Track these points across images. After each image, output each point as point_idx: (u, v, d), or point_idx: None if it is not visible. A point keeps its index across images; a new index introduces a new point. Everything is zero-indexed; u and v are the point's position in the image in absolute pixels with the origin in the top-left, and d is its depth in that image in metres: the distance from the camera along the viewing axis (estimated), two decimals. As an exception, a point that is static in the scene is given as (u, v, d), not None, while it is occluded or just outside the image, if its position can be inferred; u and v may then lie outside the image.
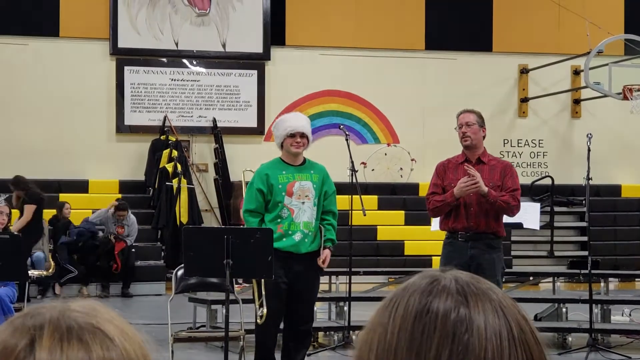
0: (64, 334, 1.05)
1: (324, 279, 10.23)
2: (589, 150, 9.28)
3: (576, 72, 18.58)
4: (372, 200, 16.49)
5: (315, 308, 7.77)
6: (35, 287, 13.68)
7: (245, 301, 8.07)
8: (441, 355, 1.10)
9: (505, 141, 18.61)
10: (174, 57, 17.44)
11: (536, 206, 10.66)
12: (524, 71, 18.68)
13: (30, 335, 1.05)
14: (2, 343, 1.05)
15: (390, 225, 16.90)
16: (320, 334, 9.77)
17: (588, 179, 9.37)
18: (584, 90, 18.12)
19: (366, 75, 17.93)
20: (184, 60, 17.51)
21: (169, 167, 16.22)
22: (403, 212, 17.17)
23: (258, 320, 6.96)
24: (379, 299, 1.22)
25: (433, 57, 18.29)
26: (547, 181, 17.39)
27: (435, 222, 7.79)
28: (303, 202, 7.00)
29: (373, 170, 17.78)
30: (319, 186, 7.08)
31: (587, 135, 9.36)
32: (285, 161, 7.11)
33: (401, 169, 18.03)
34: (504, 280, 7.68)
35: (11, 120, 16.68)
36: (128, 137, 17.19)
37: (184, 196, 15.97)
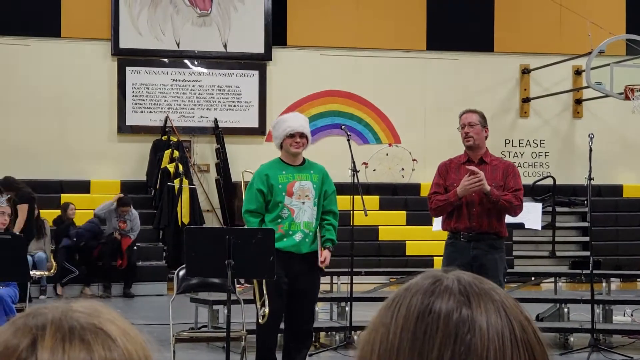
0: (66, 334, 1.05)
1: (325, 279, 10.25)
2: (590, 150, 9.27)
3: (578, 72, 18.57)
4: (373, 200, 16.48)
5: (316, 308, 7.78)
6: (37, 287, 13.68)
7: (246, 301, 8.06)
8: (443, 355, 1.10)
9: (507, 141, 18.61)
10: (175, 58, 17.44)
11: (538, 206, 10.63)
12: (525, 71, 18.68)
13: (32, 335, 1.05)
14: (4, 343, 1.05)
15: (391, 225, 16.89)
16: (322, 334, 9.76)
17: (590, 179, 9.36)
18: (585, 91, 18.12)
19: (367, 76, 17.93)
20: (186, 61, 17.51)
21: (171, 168, 16.23)
22: (405, 212, 17.17)
23: (260, 320, 6.95)
24: (380, 299, 1.22)
25: (434, 57, 18.28)
26: (549, 181, 17.36)
27: (437, 222, 7.75)
28: (303, 202, 6.99)
29: (374, 170, 17.78)
30: (318, 186, 7.07)
31: (589, 136, 9.36)
32: (285, 161, 7.09)
33: (403, 169, 18.03)
34: (505, 280, 7.67)
35: (13, 120, 16.68)
36: (130, 138, 17.19)
37: (185, 196, 15.98)
